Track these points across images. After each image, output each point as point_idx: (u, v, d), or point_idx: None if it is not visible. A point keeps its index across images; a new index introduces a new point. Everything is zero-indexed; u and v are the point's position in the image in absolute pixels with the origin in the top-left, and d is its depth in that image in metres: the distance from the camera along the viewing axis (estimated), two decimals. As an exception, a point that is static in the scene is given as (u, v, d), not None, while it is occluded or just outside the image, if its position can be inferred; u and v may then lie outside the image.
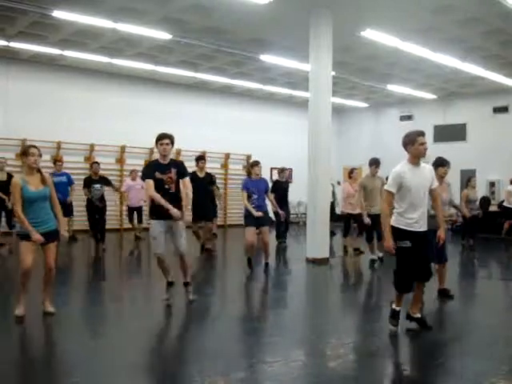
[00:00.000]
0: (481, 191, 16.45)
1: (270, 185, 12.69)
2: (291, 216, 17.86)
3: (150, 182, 5.81)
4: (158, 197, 5.75)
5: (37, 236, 5.14)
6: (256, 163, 8.45)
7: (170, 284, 6.17)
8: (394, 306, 5.16)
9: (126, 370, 4.18)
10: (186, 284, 6.26)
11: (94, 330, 5.29)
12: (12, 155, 13.34)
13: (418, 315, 5.20)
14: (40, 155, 5.31)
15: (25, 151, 5.26)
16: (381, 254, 9.14)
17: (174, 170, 5.92)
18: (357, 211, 10.05)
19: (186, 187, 6.08)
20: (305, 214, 12.25)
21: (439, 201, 5.33)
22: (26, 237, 5.20)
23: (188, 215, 6.02)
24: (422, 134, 5.02)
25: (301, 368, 4.28)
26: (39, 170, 5.33)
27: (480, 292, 7.87)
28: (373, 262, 9.25)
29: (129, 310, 6.10)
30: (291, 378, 4.00)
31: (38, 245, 5.27)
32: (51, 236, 5.34)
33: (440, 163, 6.45)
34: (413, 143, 4.95)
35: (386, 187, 5.04)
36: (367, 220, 8.90)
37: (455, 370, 4.20)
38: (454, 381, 4.01)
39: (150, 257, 9.78)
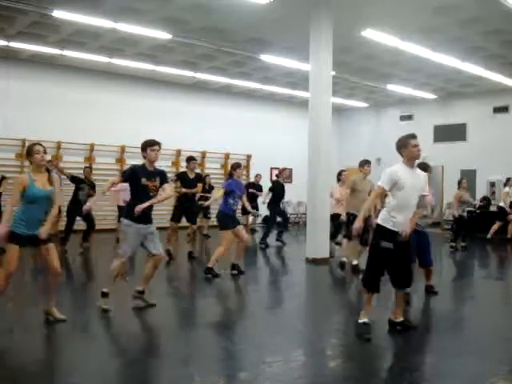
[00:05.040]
0: (481, 191, 16.51)
1: (269, 184, 12.89)
2: (291, 216, 18.04)
3: (116, 178, 5.98)
4: (106, 187, 5.96)
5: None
6: (239, 165, 8.32)
7: (105, 294, 5.84)
8: (361, 320, 5.10)
9: (124, 371, 4.18)
10: (141, 292, 6.06)
11: (89, 331, 5.28)
12: (12, 155, 13.37)
13: (401, 318, 5.22)
14: (45, 151, 5.12)
15: (29, 151, 5.07)
16: (355, 262, 8.66)
17: (158, 179, 5.94)
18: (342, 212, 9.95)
19: (165, 190, 6.02)
20: (305, 214, 12.26)
21: (429, 207, 5.38)
22: (15, 238, 4.99)
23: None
24: (413, 136, 5.10)
25: (301, 368, 4.29)
26: (47, 169, 5.18)
27: (479, 292, 7.87)
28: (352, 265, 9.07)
29: (126, 310, 6.09)
30: (291, 378, 4.00)
31: (26, 246, 5.08)
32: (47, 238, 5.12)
33: (423, 169, 6.41)
34: (406, 146, 5.04)
35: (379, 183, 5.05)
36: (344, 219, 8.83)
37: (455, 371, 4.20)
38: (453, 381, 4.00)
39: (139, 258, 9.76)
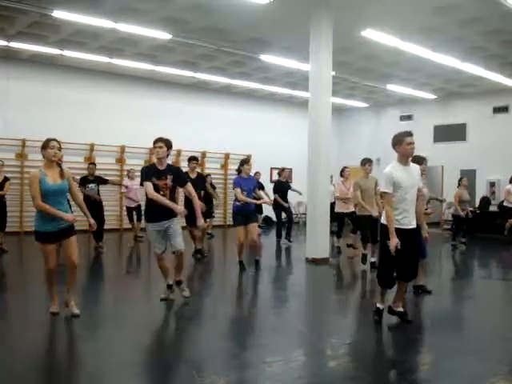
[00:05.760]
0: (481, 191, 16.51)
1: (272, 185, 12.95)
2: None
3: (149, 184, 5.87)
4: (159, 197, 5.85)
5: (68, 216, 5.12)
6: (246, 161, 8.35)
7: (169, 287, 6.28)
8: (378, 305, 5.45)
9: (125, 370, 4.17)
10: (178, 283, 6.36)
11: (93, 331, 5.29)
12: (12, 155, 13.37)
13: (400, 309, 5.43)
14: (60, 149, 5.24)
15: (44, 144, 5.18)
16: (373, 259, 8.86)
17: (169, 177, 5.96)
18: (350, 210, 10.10)
19: (190, 193, 6.21)
20: (305, 214, 12.28)
21: (420, 199, 5.50)
22: (43, 237, 5.13)
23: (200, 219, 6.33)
24: (409, 134, 5.14)
25: (301, 368, 4.29)
26: (59, 164, 5.26)
27: (479, 292, 7.87)
28: (371, 263, 9.16)
29: (128, 310, 6.09)
30: (291, 378, 4.00)
31: (56, 242, 5.23)
32: (69, 231, 5.23)
33: (417, 162, 6.39)
34: (400, 143, 5.10)
35: (382, 190, 5.16)
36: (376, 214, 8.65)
37: (455, 370, 4.20)
38: (453, 381, 4.00)
39: (147, 257, 9.79)
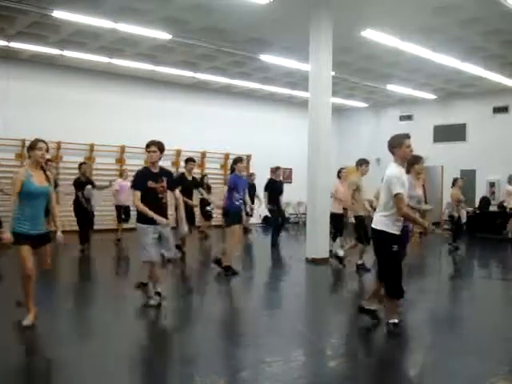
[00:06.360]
0: (481, 191, 16.51)
1: (264, 183, 12.70)
2: (291, 216, 18.08)
3: (138, 194, 5.84)
4: (144, 209, 5.78)
5: (6, 238, 4.86)
6: (240, 159, 8.28)
7: (157, 294, 6.04)
8: (392, 321, 5.02)
9: (125, 370, 4.17)
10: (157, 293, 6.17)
11: (91, 331, 5.29)
12: (12, 155, 13.36)
13: (374, 307, 5.33)
14: (47, 150, 5.16)
15: (32, 145, 5.08)
16: (360, 262, 8.75)
17: (165, 179, 5.98)
18: (341, 211, 9.66)
19: (178, 199, 6.21)
20: (305, 214, 12.26)
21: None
22: (22, 238, 4.94)
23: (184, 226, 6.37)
24: (408, 136, 5.06)
25: (301, 368, 4.29)
26: (43, 168, 5.18)
27: (479, 292, 7.87)
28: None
29: (127, 310, 6.09)
30: (291, 378, 4.00)
31: (33, 245, 5.04)
32: (46, 237, 5.15)
33: (414, 161, 6.31)
34: (400, 146, 4.99)
35: (397, 191, 4.83)
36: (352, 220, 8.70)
37: (455, 370, 4.20)
38: (453, 381, 4.00)
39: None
